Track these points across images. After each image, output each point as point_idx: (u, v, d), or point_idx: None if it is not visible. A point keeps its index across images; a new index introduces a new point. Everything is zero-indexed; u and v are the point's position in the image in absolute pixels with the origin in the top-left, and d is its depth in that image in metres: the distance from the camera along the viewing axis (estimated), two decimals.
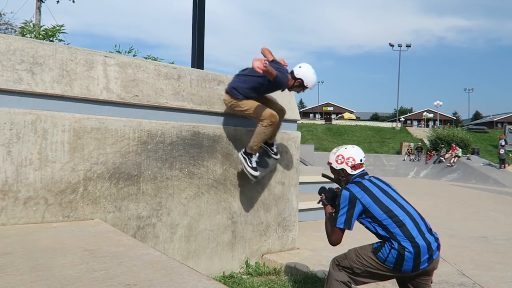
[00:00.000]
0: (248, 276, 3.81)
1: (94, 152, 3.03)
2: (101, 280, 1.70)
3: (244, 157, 3.70)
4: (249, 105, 3.59)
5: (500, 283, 3.75)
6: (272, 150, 3.99)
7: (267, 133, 3.64)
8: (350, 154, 2.58)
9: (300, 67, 3.64)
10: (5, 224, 2.65)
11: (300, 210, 4.96)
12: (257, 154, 3.75)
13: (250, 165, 3.68)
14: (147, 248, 2.31)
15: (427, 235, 2.32)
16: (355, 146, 2.69)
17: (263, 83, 3.54)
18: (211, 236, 3.74)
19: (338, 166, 2.59)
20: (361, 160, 2.59)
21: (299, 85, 3.65)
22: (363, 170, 2.61)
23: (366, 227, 2.43)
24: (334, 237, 2.48)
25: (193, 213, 3.61)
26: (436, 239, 2.38)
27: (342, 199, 2.39)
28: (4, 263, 1.84)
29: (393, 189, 2.55)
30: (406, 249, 2.23)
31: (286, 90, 3.76)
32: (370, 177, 2.59)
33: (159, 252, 2.26)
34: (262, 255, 4.14)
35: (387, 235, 2.30)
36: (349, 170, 2.55)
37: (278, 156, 4.03)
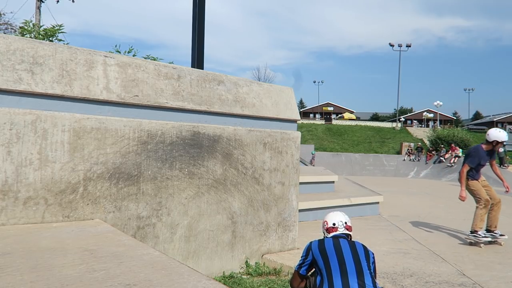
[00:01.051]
0: (248, 276, 3.81)
1: (94, 152, 3.03)
2: (101, 280, 1.70)
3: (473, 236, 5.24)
4: (476, 186, 5.39)
5: (501, 283, 3.75)
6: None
7: (482, 214, 5.25)
8: (325, 218, 2.84)
9: (488, 134, 5.44)
10: (5, 224, 2.65)
11: (300, 210, 4.97)
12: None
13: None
14: (147, 248, 2.31)
15: None
16: (337, 211, 2.89)
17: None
18: (211, 236, 3.74)
19: (321, 231, 2.90)
20: (333, 224, 2.75)
21: (495, 144, 5.35)
22: (338, 233, 2.71)
23: (317, 274, 2.62)
24: (291, 277, 2.83)
25: (193, 213, 3.61)
26: None
27: (303, 249, 2.75)
28: (4, 263, 1.84)
29: (355, 251, 2.55)
30: None
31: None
32: (341, 238, 2.64)
33: (159, 252, 2.26)
34: (262, 255, 4.14)
35: (320, 282, 2.51)
36: (325, 233, 2.80)
37: (505, 236, 5.32)
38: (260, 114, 4.19)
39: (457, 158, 22.95)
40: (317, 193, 7.44)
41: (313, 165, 21.24)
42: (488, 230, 5.36)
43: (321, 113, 73.79)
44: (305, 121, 47.15)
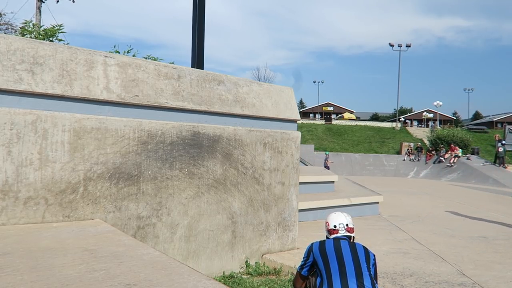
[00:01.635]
0: (248, 276, 3.81)
1: (94, 152, 3.03)
2: (101, 280, 1.70)
3: None
4: None
5: (500, 283, 3.75)
6: None
7: None
8: (327, 219, 2.82)
9: None
10: (5, 224, 2.65)
11: (300, 210, 4.97)
12: None
13: None
14: (147, 248, 2.31)
15: None
16: (338, 212, 2.84)
17: None
18: (211, 236, 3.74)
19: (323, 231, 2.89)
20: (334, 226, 2.74)
21: None
22: (339, 236, 2.70)
23: (317, 275, 2.64)
24: (294, 278, 2.87)
25: (193, 213, 3.61)
26: None
27: (305, 250, 2.77)
28: (4, 263, 1.85)
29: (355, 253, 2.57)
30: None
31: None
32: (342, 240, 2.65)
33: (159, 252, 2.26)
34: (262, 255, 4.14)
35: (320, 283, 2.54)
36: (327, 234, 2.79)
37: None
38: (260, 114, 4.19)
39: (456, 158, 22.94)
40: (317, 193, 7.44)
41: (328, 167, 20.41)
42: None
43: (321, 113, 73.77)
44: (305, 121, 47.10)
